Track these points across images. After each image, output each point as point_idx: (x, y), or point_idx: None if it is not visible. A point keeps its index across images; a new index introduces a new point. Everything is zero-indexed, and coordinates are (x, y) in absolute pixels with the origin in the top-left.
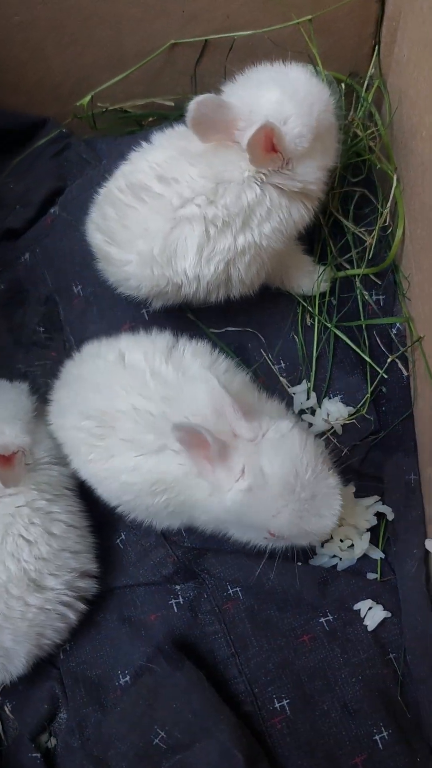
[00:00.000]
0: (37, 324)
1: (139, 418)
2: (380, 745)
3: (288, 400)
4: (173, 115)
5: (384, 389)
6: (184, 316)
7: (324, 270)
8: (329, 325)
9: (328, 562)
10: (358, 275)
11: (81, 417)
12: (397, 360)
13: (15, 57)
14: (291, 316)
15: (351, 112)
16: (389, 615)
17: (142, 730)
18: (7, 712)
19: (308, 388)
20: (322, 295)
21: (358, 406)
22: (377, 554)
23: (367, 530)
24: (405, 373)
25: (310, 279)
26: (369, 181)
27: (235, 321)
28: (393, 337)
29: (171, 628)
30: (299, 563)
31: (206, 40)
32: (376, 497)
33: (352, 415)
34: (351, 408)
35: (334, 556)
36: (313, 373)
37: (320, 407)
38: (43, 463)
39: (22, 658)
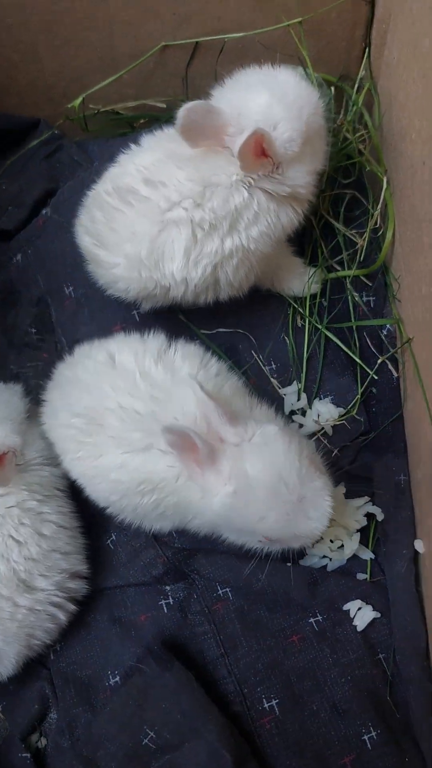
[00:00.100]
0: (29, 325)
1: (126, 417)
2: (369, 745)
3: (279, 402)
4: (165, 117)
5: (374, 390)
6: (175, 318)
7: (315, 272)
8: (320, 326)
9: (318, 563)
10: (349, 277)
11: (71, 415)
12: (387, 361)
13: (7, 58)
14: (282, 318)
15: (341, 115)
16: (378, 615)
17: (132, 730)
18: None
19: (299, 389)
20: (313, 296)
21: (349, 407)
22: (367, 555)
23: (357, 531)
24: (395, 374)
25: (300, 281)
26: (359, 183)
27: (226, 322)
28: (383, 338)
29: (161, 628)
30: (289, 564)
31: (197, 42)
32: (366, 498)
33: (343, 416)
34: (341, 409)
35: (324, 556)
36: (303, 374)
37: (311, 408)
38: (34, 464)
39: (11, 658)
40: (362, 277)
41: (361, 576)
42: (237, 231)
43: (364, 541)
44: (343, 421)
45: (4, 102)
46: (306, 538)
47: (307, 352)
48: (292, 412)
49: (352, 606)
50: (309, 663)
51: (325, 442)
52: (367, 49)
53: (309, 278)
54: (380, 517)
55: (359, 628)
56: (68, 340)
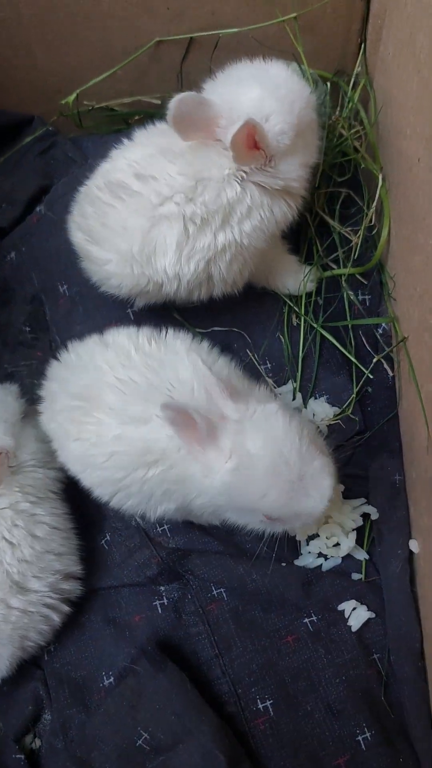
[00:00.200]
0: (23, 323)
1: (124, 388)
2: (363, 746)
3: None
4: (159, 113)
5: (369, 389)
6: (169, 316)
7: (310, 270)
8: (315, 325)
9: (313, 563)
10: (344, 275)
11: (69, 397)
12: (382, 360)
13: (0, 54)
14: (277, 316)
15: (337, 111)
16: (373, 615)
17: (126, 731)
18: None
19: (294, 389)
20: (308, 294)
21: (344, 407)
22: (361, 555)
23: (353, 530)
24: (390, 373)
25: (295, 279)
26: (355, 180)
27: (220, 321)
28: (378, 337)
29: (155, 629)
30: (284, 564)
31: (191, 38)
32: (363, 499)
33: (338, 415)
34: (337, 408)
35: (319, 556)
36: (299, 374)
37: (306, 407)
38: (28, 465)
39: (5, 660)
40: (358, 276)
41: (355, 576)
42: (230, 225)
43: (359, 541)
44: (339, 421)
45: None
46: (307, 517)
47: (302, 351)
48: None
49: (346, 606)
50: (303, 663)
51: (318, 431)
52: (362, 45)
53: (304, 276)
54: (375, 516)
55: (354, 629)
56: (62, 338)
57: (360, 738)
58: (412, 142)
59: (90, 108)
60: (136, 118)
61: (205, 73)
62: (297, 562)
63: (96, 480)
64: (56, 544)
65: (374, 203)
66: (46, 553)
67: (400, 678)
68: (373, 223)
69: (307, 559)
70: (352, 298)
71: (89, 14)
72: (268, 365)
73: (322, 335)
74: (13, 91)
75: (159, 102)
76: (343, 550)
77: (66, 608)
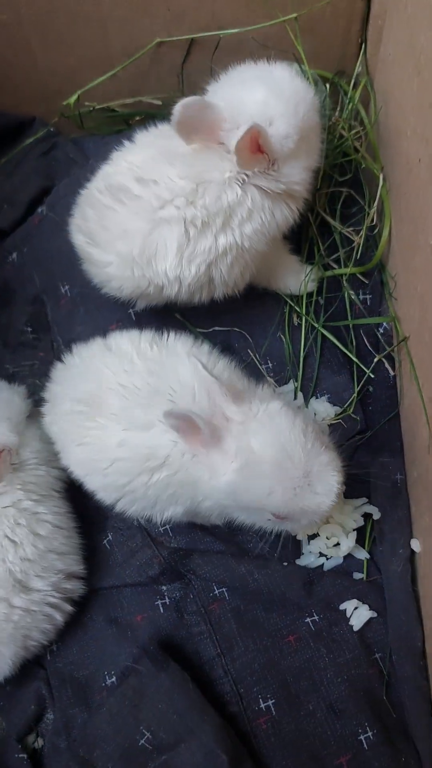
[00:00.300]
0: (24, 324)
1: (126, 394)
2: (365, 745)
3: None
4: (161, 114)
5: (371, 389)
6: (171, 316)
7: (311, 269)
8: (316, 324)
9: (314, 562)
10: (345, 275)
11: (73, 402)
12: (383, 360)
13: (1, 56)
14: (278, 316)
15: (337, 112)
16: (375, 615)
17: (128, 730)
18: None
19: (295, 388)
20: (309, 294)
21: (345, 406)
22: (362, 555)
23: (354, 530)
24: (391, 372)
25: (297, 279)
26: (356, 180)
27: (222, 321)
28: (379, 336)
29: (157, 628)
30: (285, 563)
31: (192, 39)
32: (365, 499)
33: (339, 414)
34: (338, 408)
35: (321, 555)
36: (300, 373)
37: (307, 407)
38: (30, 464)
39: (8, 660)
40: (359, 275)
41: (357, 575)
42: (230, 228)
43: (360, 541)
44: (340, 420)
45: None
46: (314, 514)
47: (303, 350)
48: None
49: (348, 606)
50: (305, 663)
51: (323, 428)
52: (363, 46)
53: (305, 276)
54: (377, 516)
55: (355, 628)
56: (64, 339)
57: (362, 737)
58: (412, 142)
59: (91, 109)
60: (137, 118)
61: (205, 74)
62: (298, 562)
63: (99, 485)
64: (58, 543)
65: (375, 203)
66: (49, 552)
67: (401, 677)
68: (374, 222)
69: (309, 559)
70: (353, 297)
71: (90, 15)
72: (270, 365)
73: (323, 335)
74: (13, 92)
75: (160, 103)
76: (344, 550)
77: (68, 607)
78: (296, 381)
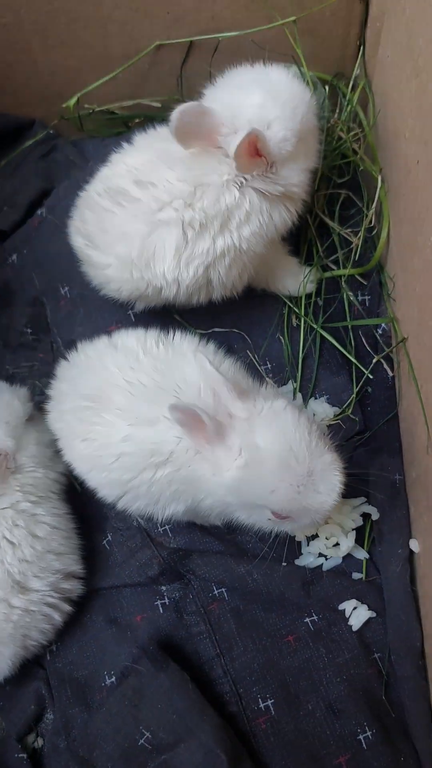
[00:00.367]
0: (24, 325)
1: (132, 390)
2: (364, 745)
3: None
4: (160, 116)
5: (369, 389)
6: (170, 317)
7: (310, 271)
8: (315, 325)
9: (313, 563)
10: (344, 276)
11: (79, 398)
12: (382, 360)
13: (1, 58)
14: (277, 317)
15: (336, 114)
16: (374, 615)
17: (128, 730)
18: None
19: (294, 389)
20: (308, 295)
21: (344, 407)
22: (362, 554)
23: (353, 530)
24: (390, 373)
25: (295, 280)
26: (354, 182)
27: (221, 322)
28: (378, 337)
29: (157, 629)
30: (284, 563)
31: (191, 42)
32: (363, 498)
33: (338, 415)
34: (336, 408)
35: (320, 555)
36: (299, 374)
37: (306, 407)
38: (28, 466)
39: (7, 660)
40: (357, 276)
41: (356, 576)
42: (228, 230)
43: (359, 541)
44: (339, 421)
45: None
46: (315, 513)
47: (302, 351)
48: None
49: (347, 606)
50: (304, 663)
51: (325, 429)
52: (361, 48)
53: (304, 277)
54: (375, 516)
55: (354, 628)
56: (64, 340)
57: (361, 737)
58: (410, 144)
59: (91, 111)
60: (137, 121)
61: (205, 77)
62: (297, 562)
63: (103, 481)
64: (57, 544)
65: (374, 205)
66: (47, 552)
67: (400, 677)
68: (372, 224)
69: (308, 559)
70: (351, 298)
71: (90, 18)
72: (269, 366)
73: (322, 336)
74: (13, 94)
75: (159, 105)
76: (343, 551)
77: (67, 607)
78: (295, 382)
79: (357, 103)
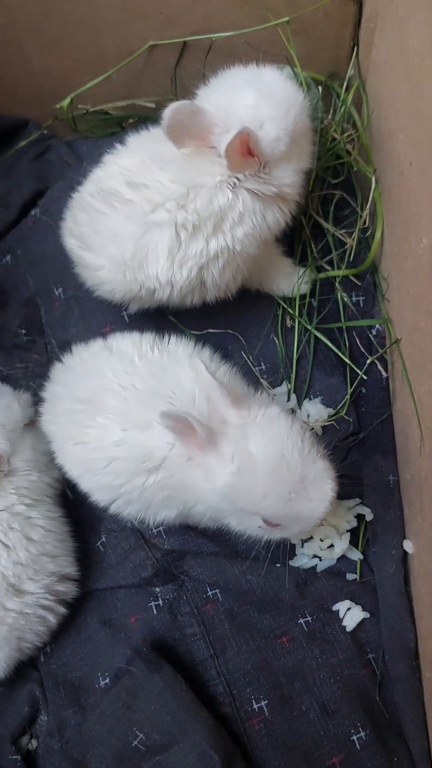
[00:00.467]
0: (18, 326)
1: (126, 395)
2: (358, 746)
3: None
4: (154, 117)
5: (363, 390)
6: (164, 318)
7: (304, 272)
8: (309, 326)
9: (308, 563)
10: (338, 277)
11: (72, 401)
12: (376, 361)
13: None
14: (271, 318)
15: (329, 115)
16: (368, 616)
17: (121, 732)
18: None
19: (289, 390)
20: (303, 296)
21: (338, 408)
22: (356, 555)
23: (347, 531)
24: (384, 374)
25: (289, 281)
26: (348, 183)
27: (215, 323)
28: (372, 338)
29: (150, 630)
30: (278, 564)
31: (185, 42)
32: (357, 500)
33: (332, 416)
34: (331, 409)
35: (314, 556)
36: (293, 375)
37: (300, 409)
38: (23, 469)
39: (2, 662)
40: (351, 277)
41: (350, 576)
42: (222, 232)
43: (353, 542)
44: (333, 422)
45: None
46: (306, 521)
47: (296, 352)
48: None
49: (341, 606)
50: (298, 664)
51: (317, 437)
52: (355, 49)
53: (298, 278)
54: (369, 517)
55: (348, 629)
56: (58, 341)
57: (354, 737)
58: (403, 145)
59: (85, 111)
60: (131, 121)
61: (199, 77)
62: (291, 563)
63: (95, 485)
64: (51, 547)
65: (368, 205)
66: (42, 555)
67: (394, 677)
68: (366, 225)
69: (302, 560)
70: (345, 299)
71: (83, 19)
72: (263, 367)
73: (316, 337)
74: (7, 94)
75: (153, 106)
76: (337, 552)
77: (62, 609)
78: (289, 383)
79: (351, 103)
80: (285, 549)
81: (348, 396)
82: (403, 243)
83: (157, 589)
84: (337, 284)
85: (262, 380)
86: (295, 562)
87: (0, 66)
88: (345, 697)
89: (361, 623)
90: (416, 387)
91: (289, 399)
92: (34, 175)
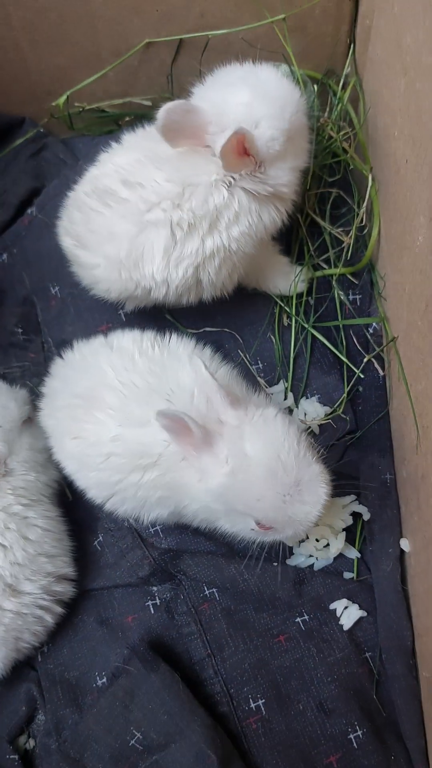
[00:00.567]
0: (15, 325)
1: (125, 392)
2: (355, 744)
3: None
4: (150, 114)
5: (360, 389)
6: (161, 317)
7: (301, 270)
8: (306, 325)
9: (305, 562)
10: (335, 275)
11: (71, 396)
12: (373, 360)
13: None
14: (268, 317)
15: (326, 113)
16: (365, 614)
17: (118, 731)
18: None
19: (286, 388)
20: (299, 295)
21: (335, 406)
22: (353, 554)
23: (343, 530)
24: (381, 372)
25: (286, 279)
26: (345, 181)
27: (212, 321)
28: (369, 336)
29: (148, 629)
30: (275, 563)
31: (181, 39)
32: (353, 497)
33: (329, 414)
34: (328, 408)
35: (311, 555)
36: (290, 373)
37: (297, 407)
38: (20, 469)
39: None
40: (348, 276)
41: (347, 575)
42: (218, 231)
43: (350, 540)
44: (330, 420)
45: None
46: (300, 524)
47: (293, 350)
48: None
49: (338, 605)
50: (295, 662)
51: (312, 441)
52: (351, 46)
53: (295, 277)
54: (366, 516)
55: (345, 627)
56: (54, 339)
57: (352, 736)
58: (399, 143)
59: (81, 109)
60: (127, 119)
61: (195, 75)
62: (288, 562)
63: (91, 482)
64: (48, 547)
65: (364, 204)
66: (39, 555)
67: (391, 676)
68: (363, 223)
69: (299, 559)
70: (342, 298)
71: (79, 16)
72: (260, 365)
73: (313, 335)
74: (3, 92)
75: (149, 103)
76: (333, 552)
77: (59, 609)
78: (286, 381)
79: (347, 101)
80: (282, 548)
81: (345, 394)
82: (399, 241)
83: (154, 589)
84: (333, 282)
85: (259, 379)
86: (292, 561)
87: None
88: (342, 695)
89: (358, 622)
90: (413, 385)
91: (286, 397)
92: (30, 173)
